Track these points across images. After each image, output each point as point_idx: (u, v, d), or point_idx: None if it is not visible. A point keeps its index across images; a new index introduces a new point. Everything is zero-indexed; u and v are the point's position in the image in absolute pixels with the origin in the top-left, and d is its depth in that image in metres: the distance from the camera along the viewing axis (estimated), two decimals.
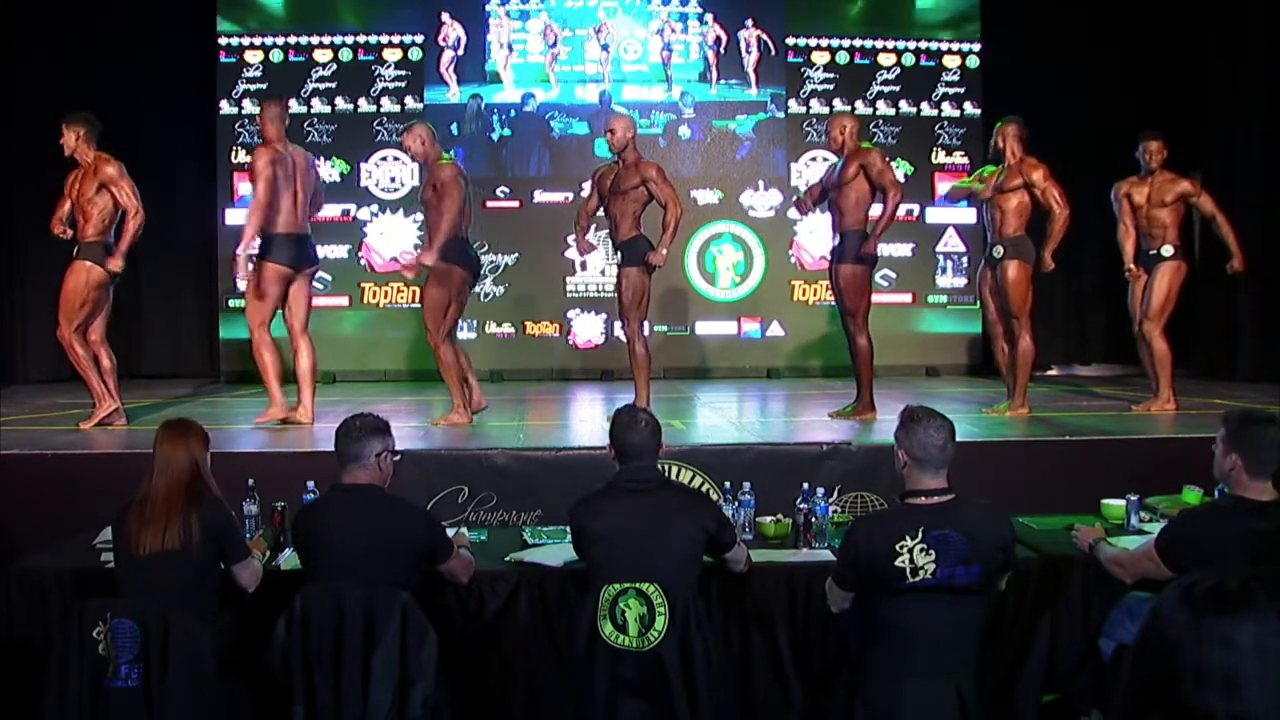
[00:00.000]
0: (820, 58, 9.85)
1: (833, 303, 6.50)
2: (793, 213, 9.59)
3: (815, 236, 9.48)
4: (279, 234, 6.01)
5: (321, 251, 9.10)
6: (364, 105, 9.62)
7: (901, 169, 9.70)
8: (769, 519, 4.17)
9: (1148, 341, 6.61)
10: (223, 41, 9.51)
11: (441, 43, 9.63)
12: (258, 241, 6.02)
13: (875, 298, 9.11)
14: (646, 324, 6.24)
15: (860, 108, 9.77)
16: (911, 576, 2.99)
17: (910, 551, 2.99)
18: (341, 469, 3.41)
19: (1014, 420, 6.29)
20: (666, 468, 4.94)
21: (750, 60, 9.79)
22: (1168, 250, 6.58)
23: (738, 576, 3.64)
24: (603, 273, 9.38)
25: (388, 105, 9.63)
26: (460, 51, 9.64)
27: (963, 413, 6.53)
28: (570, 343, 9.72)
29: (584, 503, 3.42)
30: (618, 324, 6.44)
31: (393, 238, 9.51)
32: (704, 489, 4.87)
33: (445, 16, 9.62)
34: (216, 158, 9.43)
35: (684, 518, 3.33)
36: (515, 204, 9.40)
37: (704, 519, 3.37)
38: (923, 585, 2.99)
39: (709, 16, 9.79)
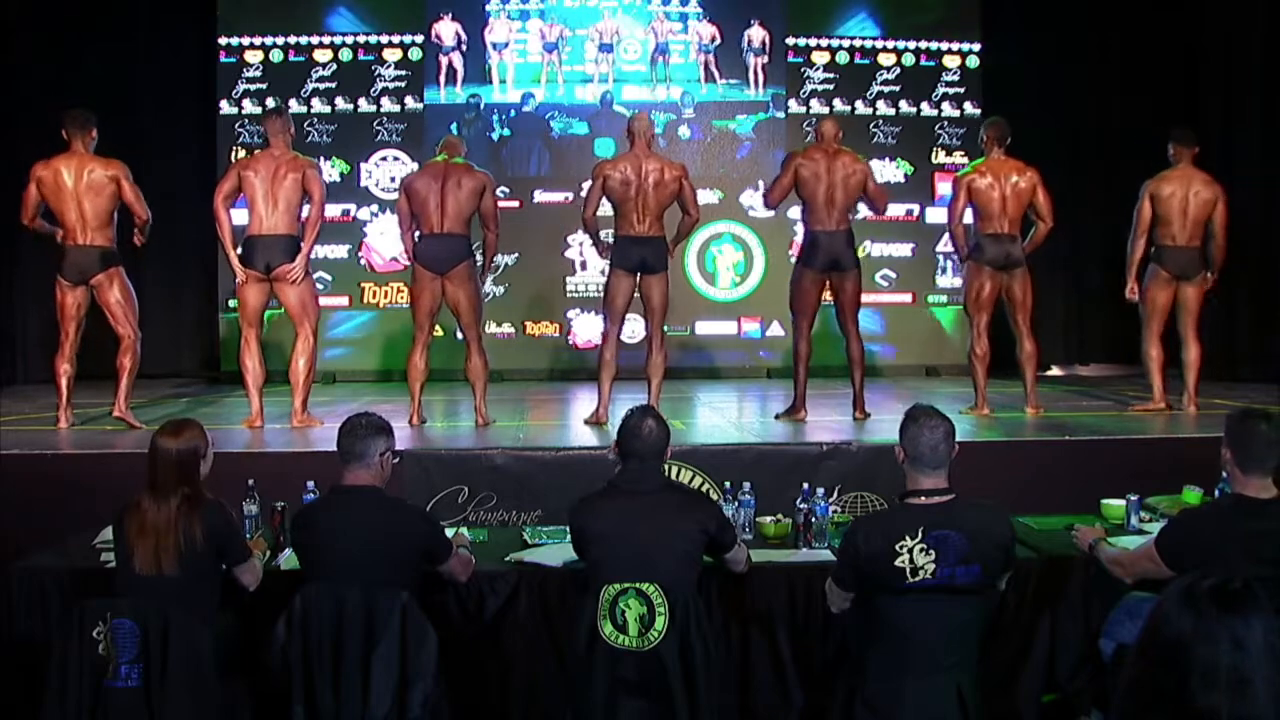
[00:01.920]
0: (820, 58, 9.84)
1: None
2: (793, 212, 9.62)
3: None
4: None
5: (321, 251, 9.23)
6: (364, 105, 9.62)
7: (901, 169, 9.73)
8: (769, 519, 4.17)
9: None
10: (223, 41, 9.50)
11: (435, 42, 9.64)
12: None
13: (875, 297, 9.30)
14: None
15: (860, 108, 9.78)
16: (911, 577, 2.99)
17: (910, 552, 2.99)
18: (344, 467, 3.40)
19: (1013, 420, 6.30)
20: (667, 468, 4.94)
21: (754, 60, 9.79)
22: None
23: (737, 576, 3.63)
24: (602, 273, 9.37)
25: (388, 105, 9.63)
26: (460, 52, 9.65)
27: (965, 414, 6.54)
28: (570, 343, 9.72)
29: (584, 503, 3.42)
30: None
31: (392, 237, 9.49)
32: (704, 489, 4.87)
33: (444, 19, 9.62)
34: (216, 158, 9.42)
35: (684, 518, 3.33)
36: (515, 204, 9.37)
37: (704, 520, 3.36)
38: (923, 585, 2.99)
39: (708, 17, 9.79)
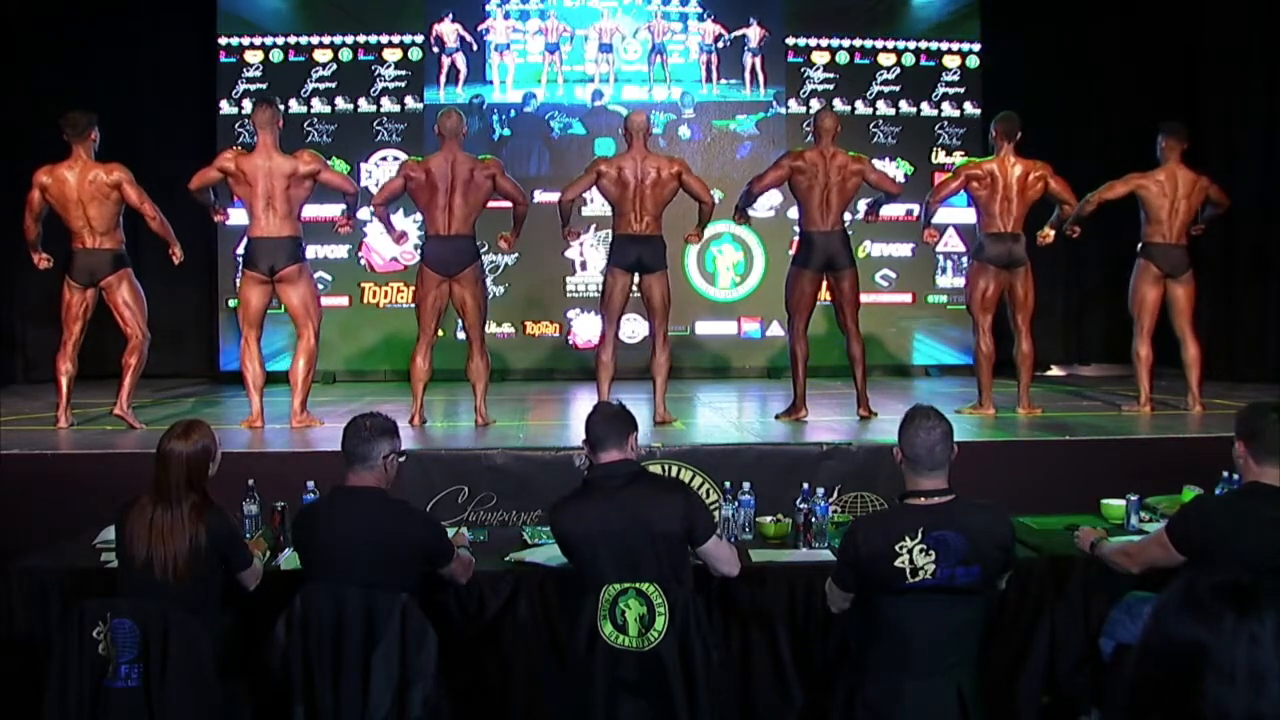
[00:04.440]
0: (820, 58, 9.84)
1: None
2: (792, 212, 9.63)
3: None
4: None
5: (321, 251, 9.24)
6: (364, 105, 9.62)
7: (902, 169, 9.72)
8: (769, 519, 4.17)
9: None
10: (223, 41, 9.51)
11: (437, 43, 9.64)
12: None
13: (876, 298, 9.31)
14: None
15: (860, 108, 9.78)
16: (911, 577, 2.99)
17: (910, 552, 2.99)
18: (347, 469, 3.39)
19: (1009, 420, 6.30)
20: (667, 468, 4.95)
21: (753, 60, 9.79)
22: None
23: (737, 576, 3.59)
24: (602, 272, 9.38)
25: (388, 105, 9.64)
26: (464, 53, 9.66)
27: (965, 413, 6.55)
28: (570, 343, 9.72)
29: (560, 507, 3.37)
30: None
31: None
32: (704, 489, 4.87)
33: (445, 20, 9.62)
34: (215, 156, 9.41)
35: (660, 509, 3.28)
36: None
37: (681, 504, 3.32)
38: (923, 586, 2.99)
39: (708, 16, 9.80)
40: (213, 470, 3.47)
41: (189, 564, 3.27)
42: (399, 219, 8.89)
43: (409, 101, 9.63)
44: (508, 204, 6.37)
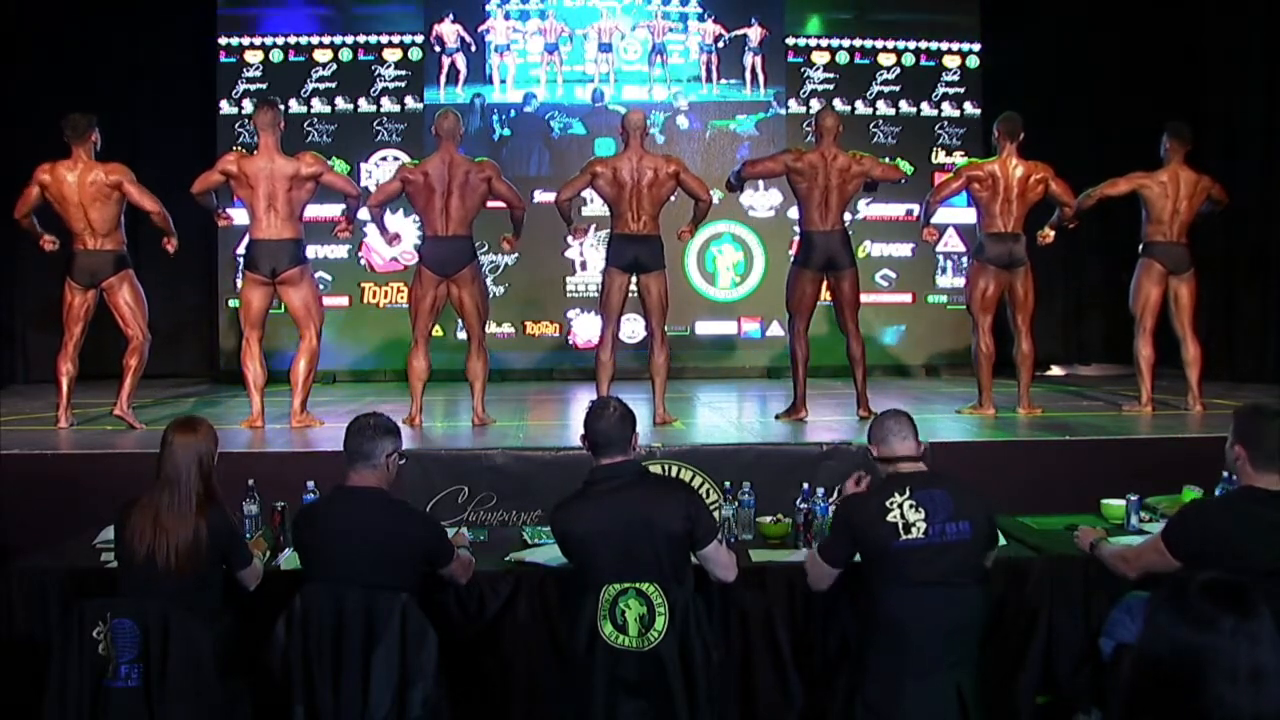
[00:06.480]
0: (820, 58, 9.85)
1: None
2: (793, 212, 9.63)
3: None
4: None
5: (321, 251, 9.23)
6: (364, 105, 9.63)
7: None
8: (769, 519, 4.17)
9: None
10: (223, 41, 9.51)
11: (437, 43, 9.65)
12: None
13: (876, 298, 9.31)
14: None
15: (860, 108, 9.78)
16: (904, 533, 3.08)
17: (900, 508, 3.11)
18: (349, 468, 3.39)
19: (1008, 420, 6.30)
20: (667, 468, 4.95)
21: (753, 60, 9.79)
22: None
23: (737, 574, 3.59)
24: (601, 272, 9.38)
25: (388, 105, 9.64)
26: (464, 53, 9.66)
27: (965, 413, 6.55)
28: (570, 343, 9.72)
29: (562, 508, 3.37)
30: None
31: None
32: (704, 489, 4.87)
33: (445, 21, 9.63)
34: (216, 158, 9.40)
35: (662, 509, 3.28)
36: None
37: (684, 504, 3.31)
38: (915, 545, 3.06)
39: (708, 16, 9.80)
40: (213, 464, 3.47)
41: (190, 556, 3.27)
42: (399, 219, 8.97)
43: (409, 101, 9.63)
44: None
